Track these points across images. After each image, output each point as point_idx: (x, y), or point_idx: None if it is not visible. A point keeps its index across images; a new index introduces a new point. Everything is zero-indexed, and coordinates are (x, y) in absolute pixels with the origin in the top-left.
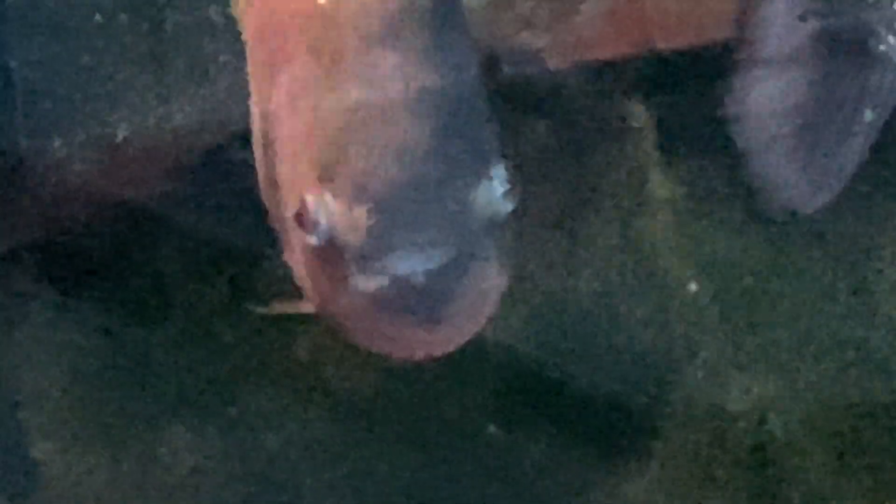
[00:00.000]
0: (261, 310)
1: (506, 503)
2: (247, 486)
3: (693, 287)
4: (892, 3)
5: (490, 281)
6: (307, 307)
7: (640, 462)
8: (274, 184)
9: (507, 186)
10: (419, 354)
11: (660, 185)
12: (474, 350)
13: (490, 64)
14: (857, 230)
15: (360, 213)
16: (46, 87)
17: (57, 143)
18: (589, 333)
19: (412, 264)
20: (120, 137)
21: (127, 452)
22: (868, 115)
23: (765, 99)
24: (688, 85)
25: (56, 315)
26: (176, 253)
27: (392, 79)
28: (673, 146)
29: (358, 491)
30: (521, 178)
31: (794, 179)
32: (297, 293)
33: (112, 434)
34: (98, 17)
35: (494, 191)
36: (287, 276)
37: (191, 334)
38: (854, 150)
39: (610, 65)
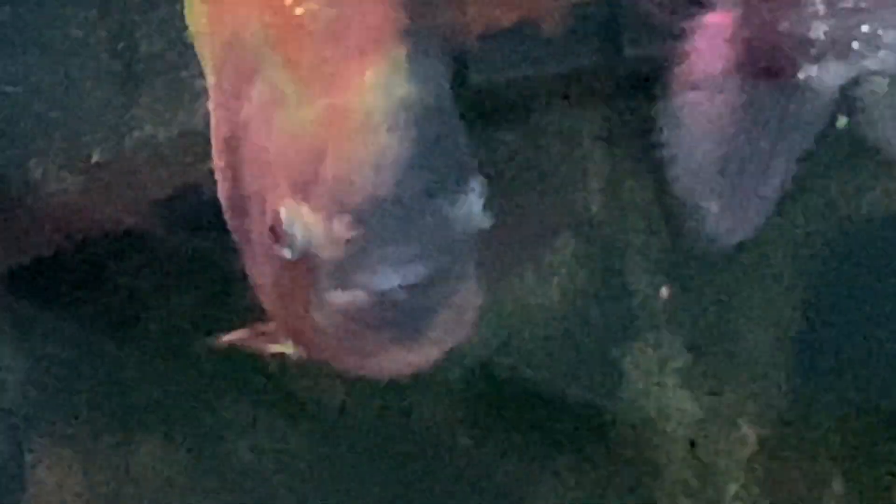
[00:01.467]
0: (221, 341)
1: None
2: (219, 497)
3: (664, 293)
4: (808, 30)
5: (469, 296)
6: (263, 332)
7: (609, 470)
8: (240, 198)
9: (485, 201)
10: (394, 373)
11: (630, 191)
12: (443, 360)
13: (457, 72)
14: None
15: (338, 227)
16: (23, 107)
17: (32, 163)
18: (558, 343)
19: (391, 279)
20: (94, 159)
21: (99, 465)
22: (791, 142)
23: (691, 126)
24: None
25: (29, 329)
26: (149, 270)
27: (370, 91)
28: (643, 153)
29: (328, 501)
30: (493, 190)
31: (717, 210)
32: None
33: (85, 446)
34: (76, 33)
35: (473, 205)
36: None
37: (163, 348)
38: (777, 180)
39: (578, 73)
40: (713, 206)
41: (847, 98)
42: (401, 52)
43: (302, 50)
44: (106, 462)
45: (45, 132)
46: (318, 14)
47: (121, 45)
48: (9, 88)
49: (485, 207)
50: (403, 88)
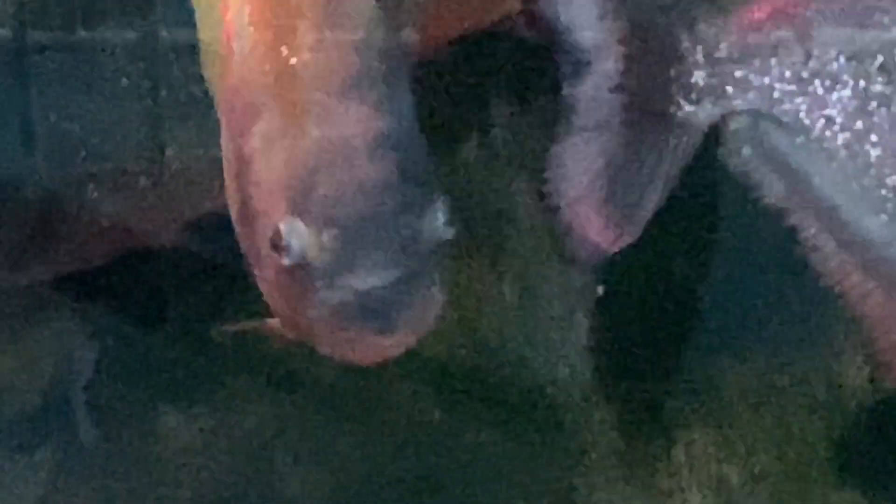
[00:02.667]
0: (230, 328)
1: (447, 474)
2: (229, 457)
3: (599, 290)
4: (690, 77)
5: (434, 295)
6: (269, 326)
7: (555, 439)
8: (247, 216)
9: (448, 216)
10: (374, 358)
11: None
12: (418, 344)
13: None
14: None
15: (327, 238)
16: (81, 141)
17: (90, 187)
18: (512, 331)
19: (371, 281)
20: (140, 185)
21: (130, 430)
22: (667, 169)
23: (579, 162)
24: None
25: (73, 321)
26: (172, 270)
27: (352, 126)
28: None
29: (321, 462)
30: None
31: (600, 226)
32: (265, 310)
33: (118, 415)
34: (124, 82)
35: (438, 220)
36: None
37: (184, 335)
38: (653, 199)
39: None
40: (598, 224)
41: (716, 132)
42: (377, 94)
43: (296, 92)
44: (135, 429)
45: (100, 162)
46: (310, 63)
47: (162, 92)
48: (68, 125)
49: (447, 222)
50: (381, 123)
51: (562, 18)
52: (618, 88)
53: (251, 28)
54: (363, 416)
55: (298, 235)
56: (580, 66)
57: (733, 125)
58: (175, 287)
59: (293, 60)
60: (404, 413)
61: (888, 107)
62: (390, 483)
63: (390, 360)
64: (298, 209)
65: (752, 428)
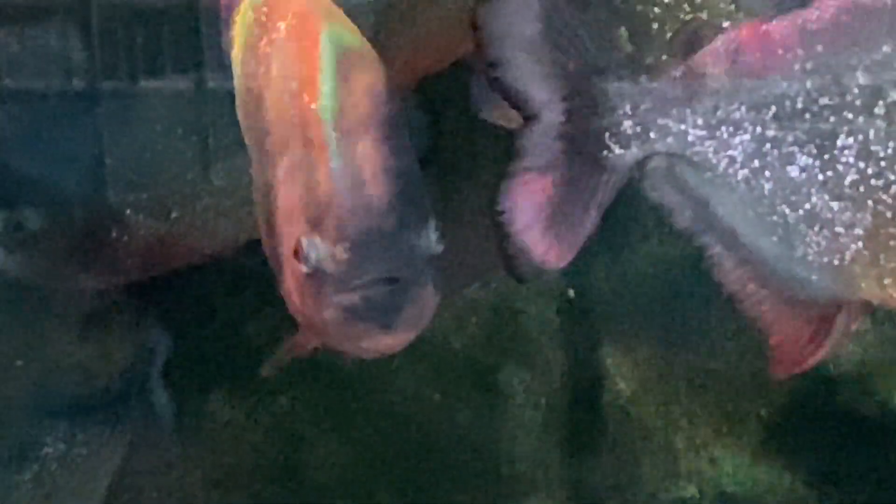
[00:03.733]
0: (274, 364)
1: (446, 447)
2: (266, 432)
3: (571, 293)
4: (620, 126)
5: (429, 300)
6: (293, 340)
7: (532, 414)
8: (273, 234)
9: (438, 234)
10: (378, 352)
11: None
12: (420, 339)
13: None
14: None
15: (340, 251)
16: (119, 174)
17: (127, 213)
18: (497, 328)
19: (375, 287)
20: (173, 216)
21: (184, 408)
22: (599, 202)
23: (528, 195)
24: None
25: (140, 320)
26: (218, 278)
27: (361, 159)
28: None
29: (341, 436)
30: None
31: (546, 249)
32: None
33: (174, 396)
34: (161, 126)
35: (431, 237)
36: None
37: (228, 333)
38: (587, 227)
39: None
40: (542, 248)
41: (639, 169)
42: (383, 133)
43: (315, 131)
44: (187, 406)
45: (136, 192)
46: (327, 107)
47: (193, 137)
48: (109, 161)
49: (438, 239)
50: (384, 157)
51: (513, 79)
52: (560, 137)
53: (279, 79)
54: (374, 397)
55: (316, 248)
56: (528, 119)
57: (652, 164)
58: (222, 294)
59: (313, 105)
60: (408, 395)
61: (779, 148)
62: (397, 453)
63: (393, 354)
64: (316, 227)
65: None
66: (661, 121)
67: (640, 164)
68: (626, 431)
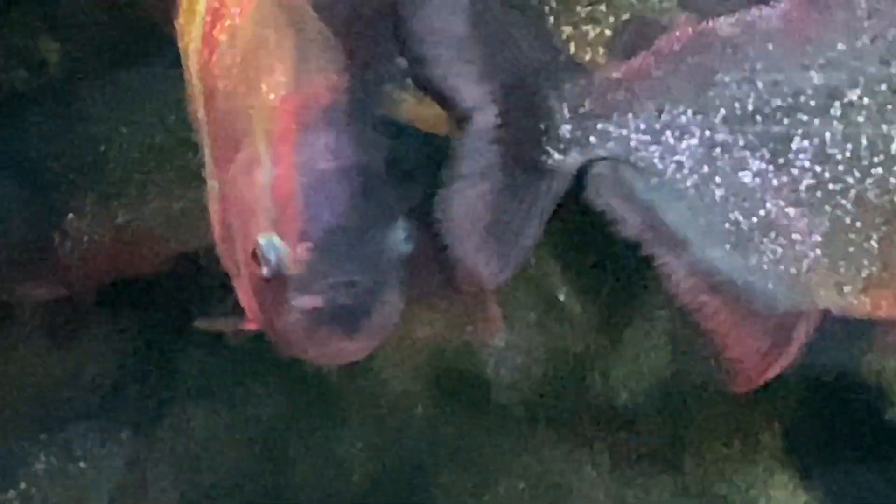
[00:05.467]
0: (201, 324)
1: (430, 461)
2: (247, 447)
3: (562, 296)
4: (558, 129)
5: (395, 303)
6: (238, 325)
7: (521, 426)
8: (229, 236)
9: (407, 234)
10: (340, 359)
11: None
12: (405, 349)
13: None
14: None
15: (302, 252)
16: (61, 175)
17: (69, 218)
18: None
19: (339, 289)
20: (118, 221)
21: (159, 425)
22: (540, 209)
23: (463, 205)
24: None
25: (108, 328)
26: (192, 283)
27: (323, 154)
28: None
29: (326, 450)
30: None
31: (484, 262)
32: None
33: (148, 412)
34: (104, 125)
35: (398, 237)
36: None
37: (206, 340)
38: (530, 236)
39: None
40: (481, 260)
41: (582, 175)
42: (346, 126)
43: (275, 124)
44: (164, 422)
45: (79, 196)
46: (287, 99)
47: (140, 137)
48: (51, 163)
49: (406, 239)
50: (348, 151)
51: (441, 78)
52: (495, 141)
53: (234, 70)
54: (361, 410)
55: (275, 249)
56: (462, 122)
57: (595, 170)
58: (199, 301)
59: (272, 97)
60: (395, 408)
61: (730, 153)
62: (384, 467)
63: (355, 362)
64: (275, 226)
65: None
66: (600, 125)
67: (583, 169)
68: (629, 446)
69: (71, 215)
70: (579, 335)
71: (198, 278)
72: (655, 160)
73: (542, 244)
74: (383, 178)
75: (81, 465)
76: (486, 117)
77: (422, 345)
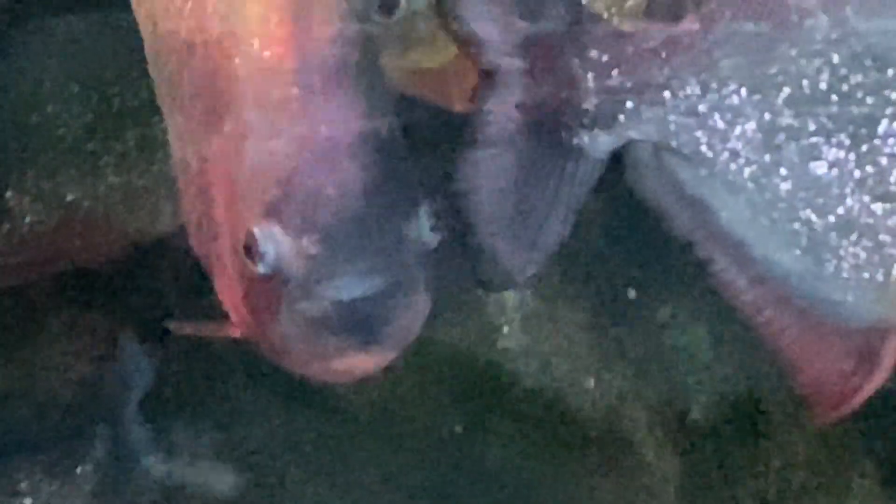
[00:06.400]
0: (176, 327)
1: (469, 492)
2: (235, 475)
3: (631, 294)
4: (581, 103)
5: (419, 305)
6: (219, 330)
7: (580, 451)
8: (208, 225)
9: (433, 221)
10: (352, 375)
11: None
12: (433, 355)
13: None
14: None
15: (307, 244)
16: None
17: (9, 194)
18: (530, 340)
19: (353, 291)
20: (69, 198)
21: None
22: (567, 195)
23: (485, 178)
24: None
25: (57, 332)
26: (158, 276)
27: (331, 123)
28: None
29: (335, 480)
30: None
31: (509, 252)
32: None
33: (112, 437)
34: (54, 80)
35: (423, 225)
36: None
37: (182, 345)
38: (556, 227)
39: None
40: (506, 250)
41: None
42: (357, 90)
43: (268, 87)
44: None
45: (19, 167)
46: (284, 57)
47: (94, 96)
48: None
49: (433, 227)
50: (362, 120)
51: (468, 20)
52: (520, 106)
53: (216, 20)
54: (380, 429)
55: (275, 242)
56: (488, 74)
57: (633, 154)
58: (177, 299)
59: (266, 53)
60: (423, 426)
61: (798, 140)
62: (409, 498)
63: (369, 379)
64: (274, 213)
65: None
66: (630, 102)
67: (619, 152)
68: (701, 470)
69: (9, 192)
70: (639, 338)
71: (164, 270)
72: (703, 147)
73: (597, 231)
74: (403, 150)
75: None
76: (512, 72)
77: (449, 350)
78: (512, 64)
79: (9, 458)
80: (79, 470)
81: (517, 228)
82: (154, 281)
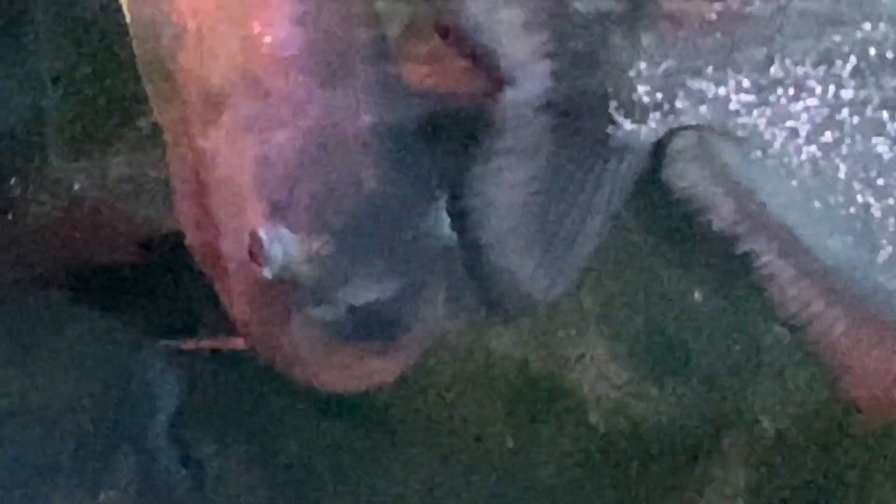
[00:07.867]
0: (188, 345)
1: None
2: (268, 490)
3: (697, 297)
4: (631, 92)
5: (438, 308)
6: (232, 345)
7: (641, 465)
8: (207, 224)
9: (450, 220)
10: (366, 384)
11: None
12: (483, 359)
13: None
14: None
15: (317, 246)
16: (3, 130)
17: (13, 181)
18: (586, 344)
19: (368, 295)
20: (76, 188)
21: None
22: (606, 199)
23: (503, 190)
24: None
25: (91, 331)
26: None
27: (341, 114)
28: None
29: (373, 493)
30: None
31: (530, 270)
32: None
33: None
34: (59, 66)
35: (441, 222)
36: None
37: (214, 350)
38: (591, 234)
39: None
40: (527, 268)
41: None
42: (368, 79)
43: (272, 76)
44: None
45: (25, 155)
46: (287, 41)
47: (105, 79)
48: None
49: (451, 225)
50: (375, 111)
51: (481, 30)
52: (544, 108)
53: (213, 4)
54: (422, 440)
55: (283, 243)
56: (503, 83)
57: (677, 143)
58: (201, 305)
59: (267, 38)
60: (471, 438)
61: (861, 115)
62: None
63: (384, 388)
64: (281, 213)
65: None
66: (691, 83)
67: (661, 144)
68: (772, 485)
69: (13, 179)
70: (705, 344)
71: (181, 268)
72: (761, 127)
73: (649, 227)
74: (418, 143)
75: None
76: (533, 78)
77: (500, 356)
78: (532, 67)
79: (23, 484)
80: (101, 497)
81: (542, 242)
82: (180, 285)
